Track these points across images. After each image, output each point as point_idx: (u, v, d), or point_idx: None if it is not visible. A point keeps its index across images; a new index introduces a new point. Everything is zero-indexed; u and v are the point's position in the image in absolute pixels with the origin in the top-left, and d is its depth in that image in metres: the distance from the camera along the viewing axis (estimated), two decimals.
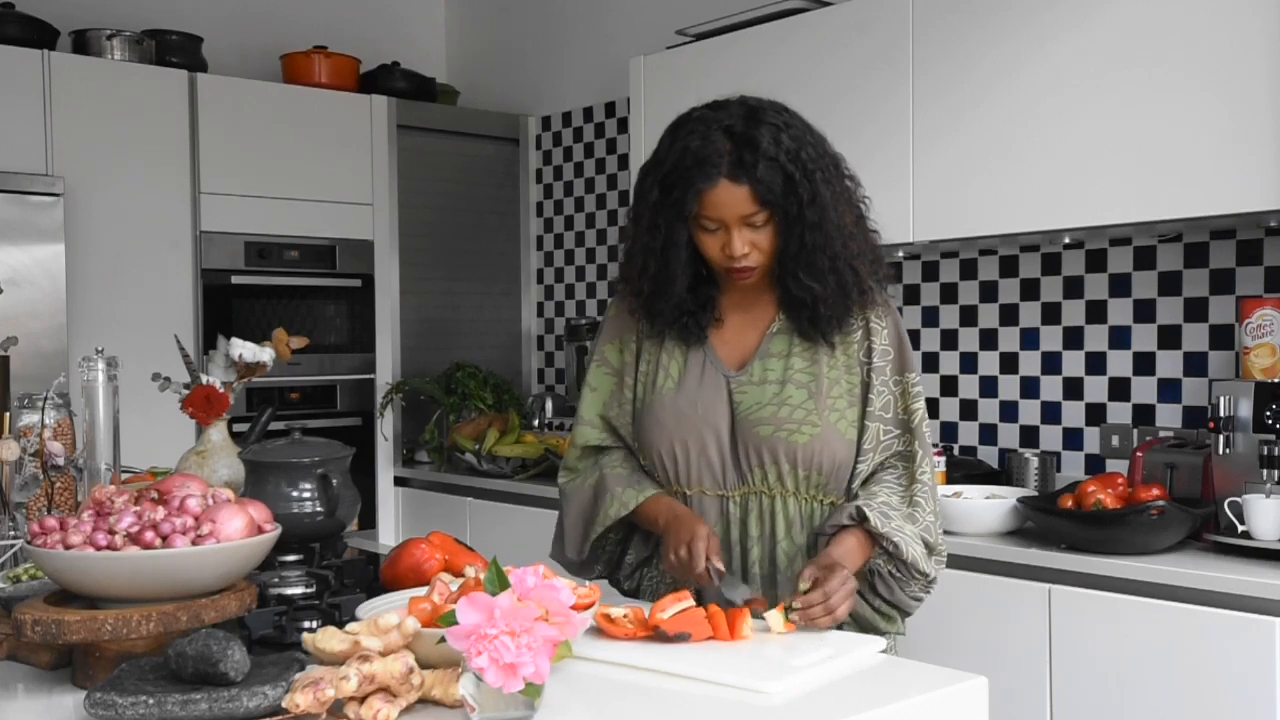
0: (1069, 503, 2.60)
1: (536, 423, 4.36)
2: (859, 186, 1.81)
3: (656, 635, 1.49)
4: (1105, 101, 2.69)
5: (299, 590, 1.72)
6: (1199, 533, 2.53)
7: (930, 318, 3.47)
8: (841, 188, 1.76)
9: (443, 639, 1.18)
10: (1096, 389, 3.14)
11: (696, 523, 1.73)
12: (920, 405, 1.82)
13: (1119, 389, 3.10)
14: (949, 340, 3.44)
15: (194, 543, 1.38)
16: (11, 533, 1.81)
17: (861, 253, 1.77)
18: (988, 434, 3.36)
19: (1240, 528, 2.44)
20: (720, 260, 1.75)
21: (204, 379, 2.15)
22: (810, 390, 1.77)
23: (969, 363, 3.40)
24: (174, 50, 4.07)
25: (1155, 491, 2.52)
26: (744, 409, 1.78)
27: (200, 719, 1.18)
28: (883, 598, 1.78)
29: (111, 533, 1.38)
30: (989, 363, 3.35)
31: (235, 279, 4.04)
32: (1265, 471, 2.44)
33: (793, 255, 1.73)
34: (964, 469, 3.16)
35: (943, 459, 3.08)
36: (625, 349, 1.90)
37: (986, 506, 2.72)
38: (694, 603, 1.54)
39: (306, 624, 1.55)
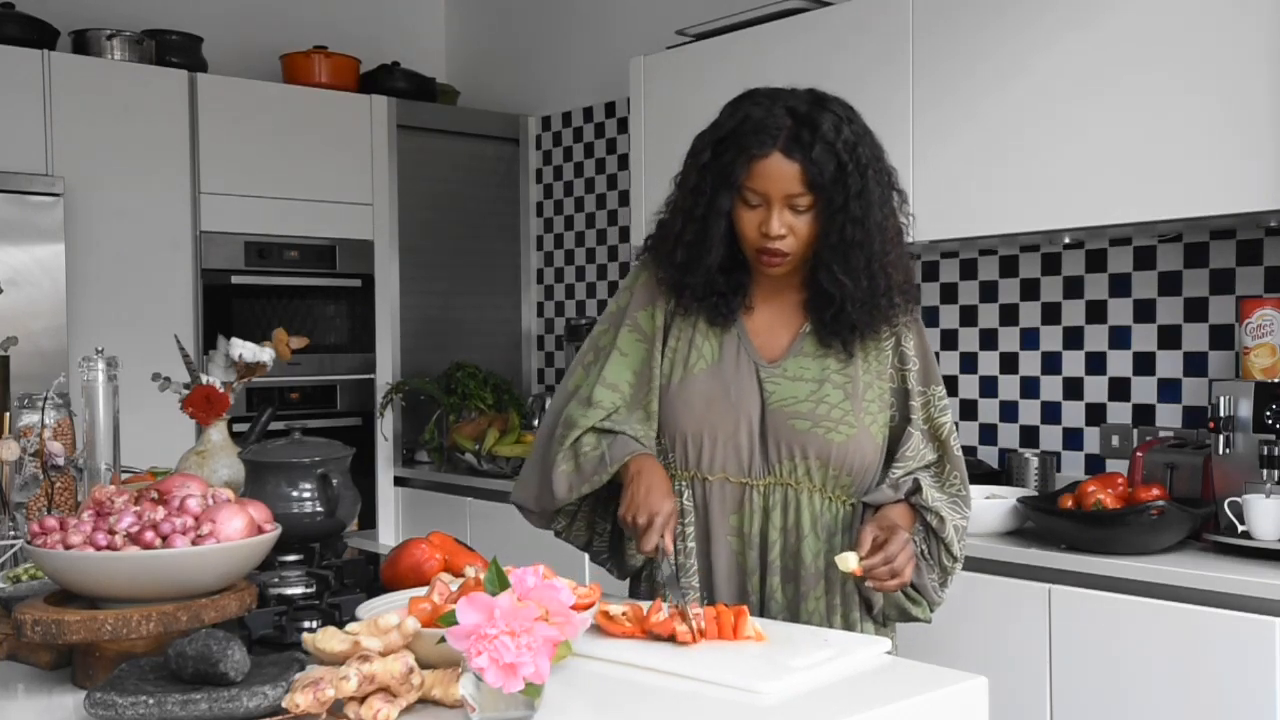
0: (1069, 503, 2.60)
1: (536, 423, 4.35)
2: (905, 204, 1.80)
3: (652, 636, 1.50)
4: (1105, 101, 2.69)
5: (299, 590, 1.72)
6: (1199, 533, 2.53)
7: (930, 318, 3.47)
8: (889, 195, 1.75)
9: (443, 639, 1.18)
10: (1096, 389, 3.14)
11: (668, 498, 1.68)
12: (947, 419, 1.82)
13: (1119, 389, 3.10)
14: (949, 340, 3.44)
15: (194, 543, 1.38)
16: (11, 533, 1.81)
17: (897, 263, 1.76)
18: (988, 434, 3.36)
19: (1240, 528, 2.44)
20: (755, 239, 1.73)
21: (204, 379, 2.15)
22: (847, 391, 1.77)
23: (969, 363, 3.40)
24: (174, 50, 4.07)
25: (1155, 491, 2.52)
26: (775, 401, 1.76)
27: (200, 719, 1.18)
28: (910, 582, 1.75)
29: (111, 533, 1.38)
30: (989, 363, 3.36)
31: (235, 279, 4.04)
32: (1265, 471, 2.44)
33: (831, 246, 1.72)
34: None
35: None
36: (656, 316, 1.84)
37: (986, 506, 2.72)
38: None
39: (306, 624, 1.55)
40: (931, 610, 1.82)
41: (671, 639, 1.48)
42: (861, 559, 1.60)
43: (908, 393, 1.81)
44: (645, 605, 1.56)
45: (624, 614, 1.52)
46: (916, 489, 1.75)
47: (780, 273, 1.77)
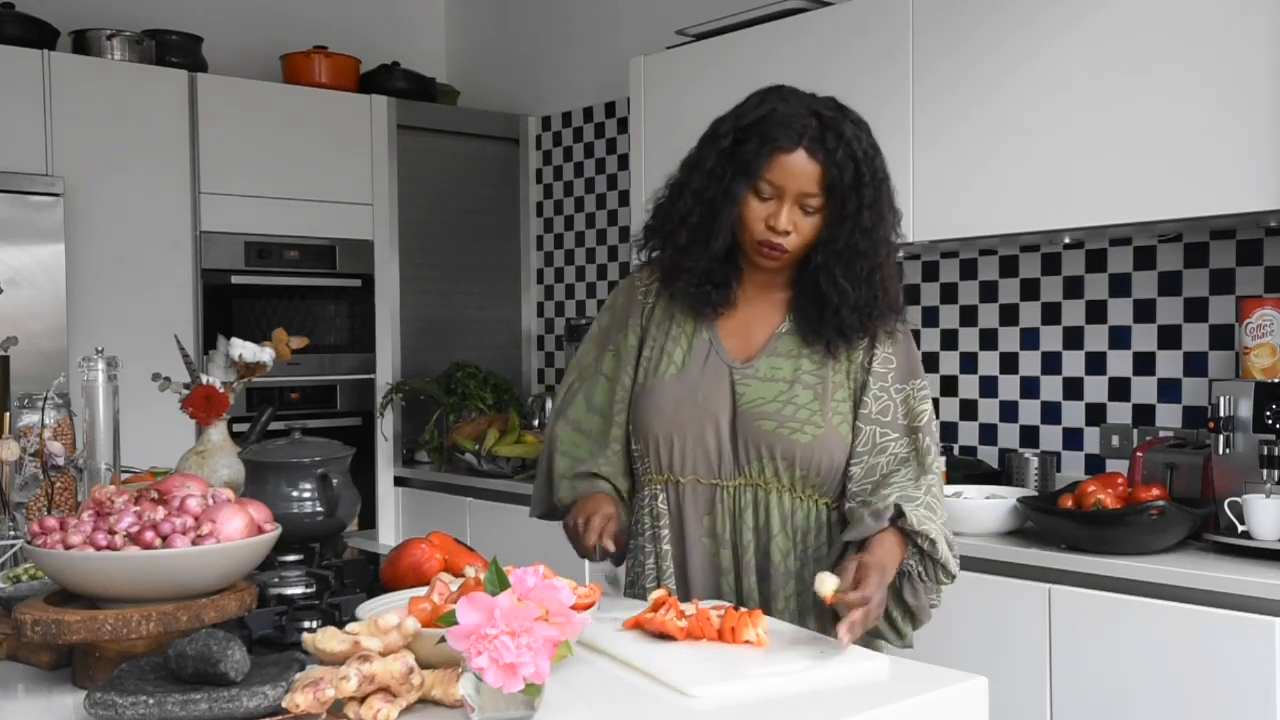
0: (1069, 503, 2.59)
1: (536, 423, 4.35)
2: (899, 222, 1.83)
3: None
4: (1105, 101, 2.69)
5: (299, 590, 1.72)
6: (1199, 533, 2.53)
7: (930, 318, 3.47)
8: (894, 212, 1.79)
9: (443, 639, 1.18)
10: (1096, 389, 3.14)
11: (607, 503, 1.79)
12: (926, 408, 1.82)
13: (1119, 389, 3.10)
14: (949, 340, 3.44)
15: (194, 543, 1.38)
16: (11, 533, 1.81)
17: (893, 277, 1.79)
18: (988, 434, 3.36)
19: (1240, 528, 2.44)
20: (759, 231, 1.74)
21: (204, 379, 2.15)
22: (816, 392, 1.78)
23: (969, 363, 3.40)
24: (174, 50, 4.07)
25: (1155, 491, 2.52)
26: (746, 402, 1.78)
27: (200, 719, 1.18)
28: (905, 604, 1.73)
29: (111, 533, 1.38)
30: (989, 363, 3.35)
31: (235, 279, 4.04)
32: (1265, 471, 2.44)
33: (836, 251, 1.74)
34: (964, 469, 3.16)
35: (942, 459, 3.08)
36: (629, 336, 1.90)
37: (986, 506, 2.72)
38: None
39: (306, 624, 1.55)
40: (916, 628, 1.77)
41: (662, 637, 1.48)
42: (837, 591, 1.52)
43: (864, 388, 1.79)
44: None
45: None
46: (899, 514, 1.68)
47: (774, 266, 1.79)
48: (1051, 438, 3.23)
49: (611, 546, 1.72)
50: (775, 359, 1.81)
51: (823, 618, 1.76)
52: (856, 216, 1.72)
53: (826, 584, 1.52)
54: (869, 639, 1.77)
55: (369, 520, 4.28)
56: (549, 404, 4.40)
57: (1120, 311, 3.09)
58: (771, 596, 1.78)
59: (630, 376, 1.88)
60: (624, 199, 4.40)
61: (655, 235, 1.85)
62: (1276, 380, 2.53)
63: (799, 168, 1.70)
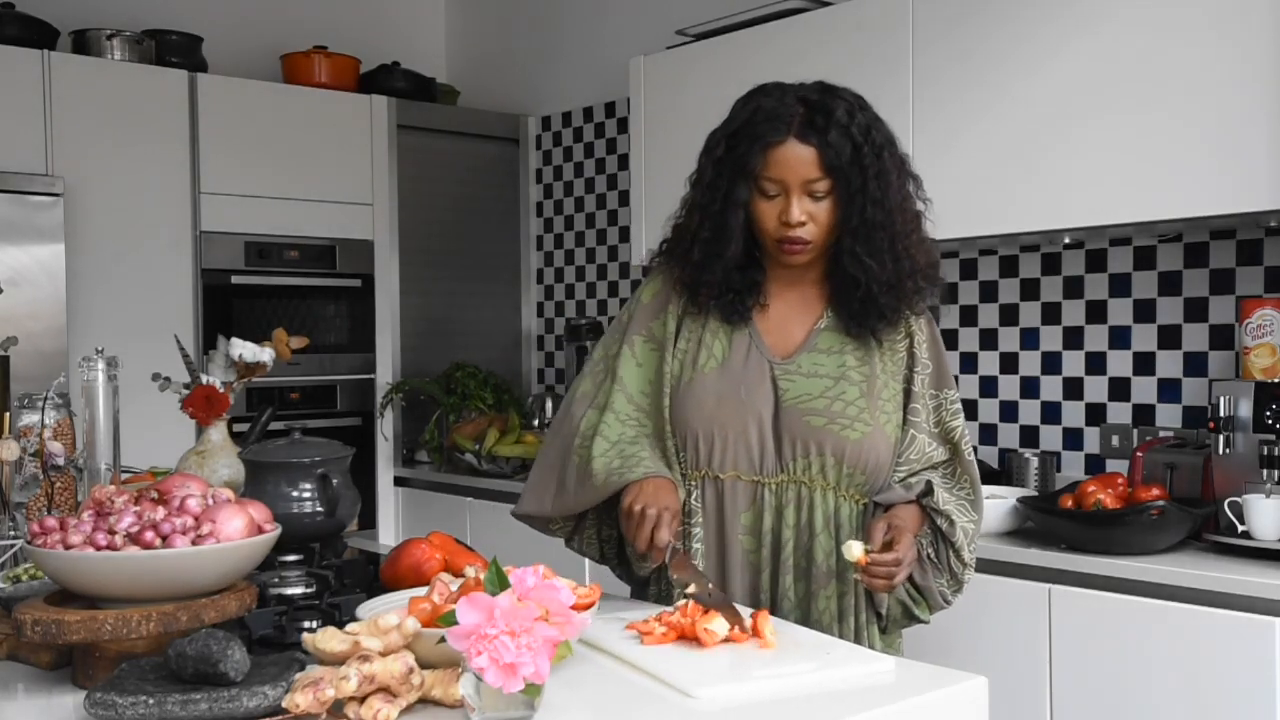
0: (1069, 503, 2.60)
1: (536, 423, 4.36)
2: (921, 189, 1.82)
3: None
4: (1105, 101, 2.69)
5: (299, 590, 1.72)
6: (1199, 533, 2.53)
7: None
8: (905, 179, 1.78)
9: (443, 639, 1.18)
10: (1096, 389, 3.14)
11: (670, 494, 1.69)
12: (959, 423, 1.82)
13: (1119, 389, 3.10)
14: (949, 340, 3.44)
15: (194, 543, 1.38)
16: (11, 533, 1.81)
17: (919, 245, 1.78)
18: (988, 434, 3.36)
19: (1240, 528, 2.44)
20: (775, 230, 1.73)
21: (204, 379, 2.15)
22: (863, 389, 1.77)
23: (969, 363, 3.40)
24: (174, 50, 4.07)
25: (1155, 491, 2.52)
26: (790, 398, 1.76)
27: (200, 719, 1.18)
28: (913, 581, 1.76)
29: (111, 533, 1.38)
30: (989, 363, 3.36)
31: (235, 279, 4.04)
32: (1265, 471, 2.44)
33: (852, 230, 1.73)
34: None
35: None
36: (668, 323, 1.84)
37: (986, 506, 2.71)
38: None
39: (306, 624, 1.55)
40: (932, 612, 1.82)
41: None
42: (867, 551, 1.60)
43: (910, 394, 1.81)
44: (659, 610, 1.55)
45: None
46: (928, 491, 1.75)
47: (802, 261, 1.77)
48: (1051, 438, 3.23)
49: (678, 545, 1.62)
50: (816, 354, 1.79)
51: (859, 615, 1.77)
52: (864, 189, 1.70)
53: (854, 550, 1.59)
54: (890, 628, 1.81)
55: (369, 520, 4.28)
56: (549, 404, 4.40)
57: (1120, 311, 3.09)
58: (812, 596, 1.76)
59: (671, 362, 1.81)
60: (624, 199, 4.39)
61: (672, 256, 1.84)
62: (1276, 380, 2.54)
63: (794, 156, 1.69)
